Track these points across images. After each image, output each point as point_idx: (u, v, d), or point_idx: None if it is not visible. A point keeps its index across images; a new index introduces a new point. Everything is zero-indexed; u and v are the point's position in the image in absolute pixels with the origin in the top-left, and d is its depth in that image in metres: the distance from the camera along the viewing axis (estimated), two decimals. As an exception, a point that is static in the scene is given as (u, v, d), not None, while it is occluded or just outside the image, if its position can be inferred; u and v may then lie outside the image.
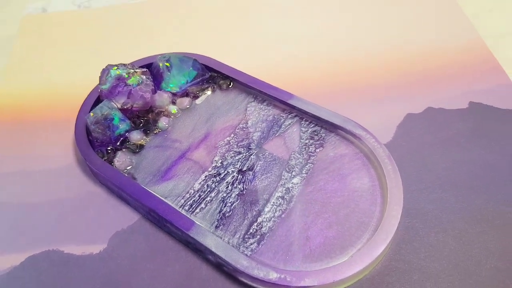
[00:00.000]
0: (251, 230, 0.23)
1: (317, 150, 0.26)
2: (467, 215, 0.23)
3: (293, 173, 0.25)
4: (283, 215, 0.23)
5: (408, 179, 0.24)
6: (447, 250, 0.22)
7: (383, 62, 0.32)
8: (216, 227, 0.23)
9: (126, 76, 0.27)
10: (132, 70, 0.28)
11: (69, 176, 0.27)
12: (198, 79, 0.29)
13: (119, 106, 0.27)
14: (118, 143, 0.27)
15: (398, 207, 0.22)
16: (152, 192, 0.24)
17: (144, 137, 0.27)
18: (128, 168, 0.26)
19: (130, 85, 0.27)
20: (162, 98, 0.28)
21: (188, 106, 0.29)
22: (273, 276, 0.20)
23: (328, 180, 0.24)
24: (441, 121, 0.27)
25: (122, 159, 0.26)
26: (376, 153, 0.24)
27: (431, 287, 0.21)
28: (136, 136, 0.27)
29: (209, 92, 0.29)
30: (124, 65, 0.28)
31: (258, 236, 0.22)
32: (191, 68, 0.29)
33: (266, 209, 0.23)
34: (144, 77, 0.28)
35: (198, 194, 0.24)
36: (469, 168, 0.25)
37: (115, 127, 0.26)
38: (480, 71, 0.30)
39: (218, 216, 0.23)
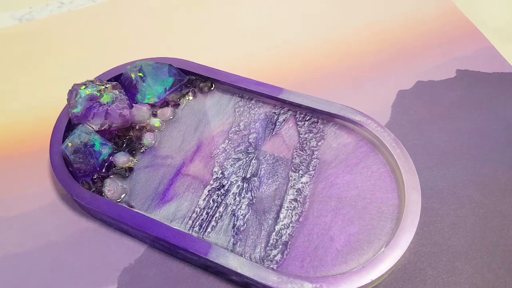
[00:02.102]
0: (271, 241, 0.21)
1: (319, 143, 0.25)
2: (480, 186, 0.23)
3: (300, 172, 0.24)
4: (300, 219, 0.22)
5: (416, 159, 0.24)
6: (469, 225, 0.22)
7: (361, 41, 0.31)
8: (234, 244, 0.21)
9: (98, 94, 0.25)
10: (103, 87, 0.25)
11: (55, 215, 0.24)
12: (177, 85, 0.27)
13: (96, 128, 0.25)
14: (104, 170, 0.24)
15: (416, 191, 0.22)
16: (155, 218, 0.22)
17: (131, 158, 0.25)
18: (122, 196, 0.23)
19: (105, 104, 0.25)
20: (141, 112, 0.26)
21: (171, 117, 0.26)
22: (308, 287, 0.19)
23: (338, 174, 0.23)
24: (433, 94, 0.27)
25: (113, 188, 0.23)
26: (381, 138, 0.24)
27: (462, 265, 0.21)
28: (122, 159, 0.24)
29: (190, 98, 0.27)
30: (92, 81, 0.26)
31: (280, 246, 0.21)
32: (167, 75, 0.27)
33: (282, 215, 0.22)
34: (116, 92, 0.25)
35: (205, 211, 0.23)
36: (468, 137, 0.25)
37: (98, 153, 0.24)
38: (459, 37, 0.30)
39: (232, 231, 0.22)
